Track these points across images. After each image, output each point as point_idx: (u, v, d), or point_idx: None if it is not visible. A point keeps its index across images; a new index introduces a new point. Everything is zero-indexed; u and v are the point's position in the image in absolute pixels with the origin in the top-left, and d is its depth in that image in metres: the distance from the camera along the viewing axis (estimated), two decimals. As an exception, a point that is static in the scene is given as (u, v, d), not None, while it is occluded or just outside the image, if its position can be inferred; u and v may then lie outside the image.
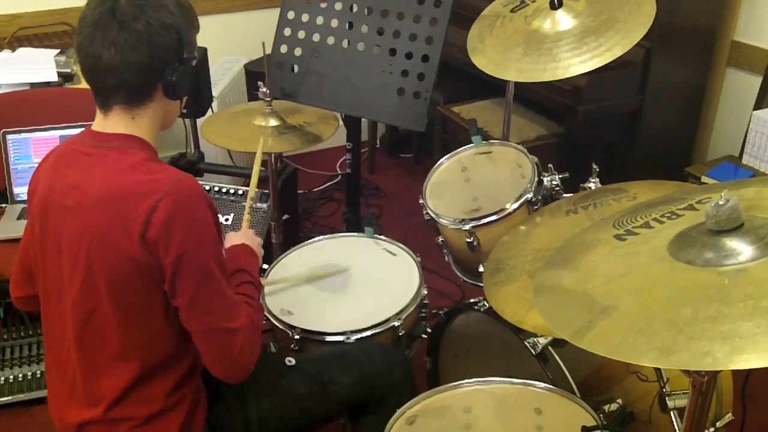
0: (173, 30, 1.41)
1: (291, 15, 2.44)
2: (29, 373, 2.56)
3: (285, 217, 2.72)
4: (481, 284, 1.82)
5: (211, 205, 1.44)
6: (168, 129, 1.59)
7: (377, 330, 1.93)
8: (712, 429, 1.53)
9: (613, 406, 1.69)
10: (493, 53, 2.19)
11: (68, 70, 3.06)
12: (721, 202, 1.05)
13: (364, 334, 1.92)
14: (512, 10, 2.26)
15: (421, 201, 2.26)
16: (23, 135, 2.79)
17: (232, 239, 1.77)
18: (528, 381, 1.65)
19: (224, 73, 3.77)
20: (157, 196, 1.36)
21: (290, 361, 1.77)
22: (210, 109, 3.10)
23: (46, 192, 1.48)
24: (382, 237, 2.30)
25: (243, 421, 1.65)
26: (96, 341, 1.47)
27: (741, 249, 1.04)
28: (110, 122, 1.46)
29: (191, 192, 1.40)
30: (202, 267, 1.40)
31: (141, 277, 1.39)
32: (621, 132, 3.20)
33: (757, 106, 3.06)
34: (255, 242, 1.79)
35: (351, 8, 2.41)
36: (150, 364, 1.47)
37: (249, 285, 1.63)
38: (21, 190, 2.79)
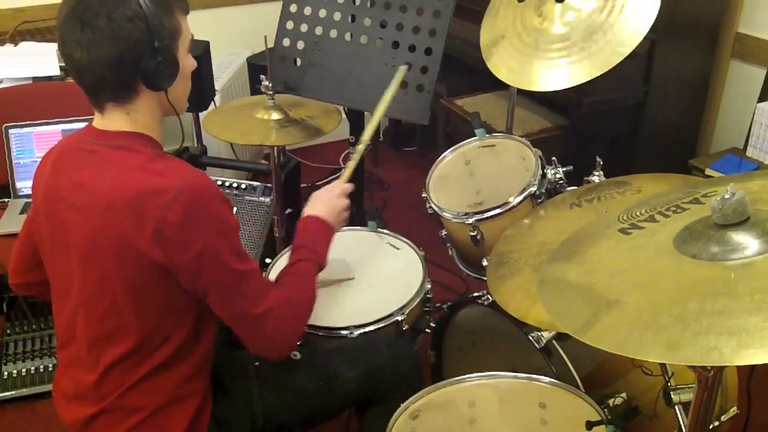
0: (140, 20, 1.34)
1: (293, 8, 2.43)
2: (32, 368, 2.56)
3: (288, 211, 2.71)
4: (484, 278, 1.81)
5: (224, 199, 1.44)
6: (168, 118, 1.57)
7: (381, 325, 1.92)
8: (716, 423, 1.52)
9: (618, 400, 1.68)
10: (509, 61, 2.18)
11: (70, 64, 3.05)
12: (726, 196, 1.04)
13: (367, 329, 1.91)
14: None
15: (424, 194, 2.25)
16: (25, 129, 2.79)
17: (314, 202, 1.78)
18: (532, 375, 1.65)
19: (227, 67, 3.76)
20: (170, 194, 1.34)
21: (295, 355, 1.76)
22: (213, 103, 3.10)
23: (50, 190, 1.47)
24: (386, 231, 2.29)
25: (249, 416, 1.65)
26: (111, 339, 1.46)
27: (747, 243, 1.03)
28: (108, 120, 1.44)
29: (204, 188, 1.39)
30: (221, 262, 1.40)
31: (157, 275, 1.39)
32: (625, 124, 3.19)
33: (762, 98, 3.04)
34: (336, 209, 1.78)
35: (353, 1, 2.40)
36: (163, 358, 1.47)
37: (305, 262, 1.64)
38: (23, 185, 2.79)
